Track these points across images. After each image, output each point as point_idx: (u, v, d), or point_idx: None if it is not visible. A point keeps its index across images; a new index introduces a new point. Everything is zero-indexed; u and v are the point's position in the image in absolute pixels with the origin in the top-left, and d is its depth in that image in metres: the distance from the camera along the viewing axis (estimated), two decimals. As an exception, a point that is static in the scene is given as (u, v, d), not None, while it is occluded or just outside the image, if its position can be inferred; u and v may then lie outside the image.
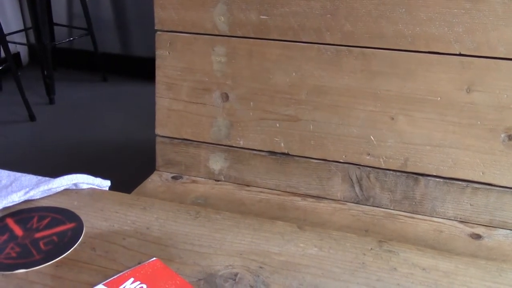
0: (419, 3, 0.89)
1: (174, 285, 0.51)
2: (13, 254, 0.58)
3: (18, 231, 0.62)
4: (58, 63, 3.05)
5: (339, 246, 0.57)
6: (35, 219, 0.63)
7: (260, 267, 0.54)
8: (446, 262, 0.55)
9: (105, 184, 0.73)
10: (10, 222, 0.63)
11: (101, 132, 2.33)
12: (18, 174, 0.72)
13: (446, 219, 0.96)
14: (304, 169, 1.03)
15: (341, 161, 1.01)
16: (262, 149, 1.05)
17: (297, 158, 1.03)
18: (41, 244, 0.59)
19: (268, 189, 1.07)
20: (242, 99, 1.04)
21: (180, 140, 1.11)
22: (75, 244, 0.59)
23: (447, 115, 0.92)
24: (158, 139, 1.13)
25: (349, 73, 0.96)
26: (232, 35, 1.02)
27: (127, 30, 2.98)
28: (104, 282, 0.52)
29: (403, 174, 0.97)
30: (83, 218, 0.63)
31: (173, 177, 1.12)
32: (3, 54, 2.45)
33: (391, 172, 0.98)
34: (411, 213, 0.98)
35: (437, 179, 0.96)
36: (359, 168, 1.00)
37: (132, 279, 0.51)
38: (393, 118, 0.95)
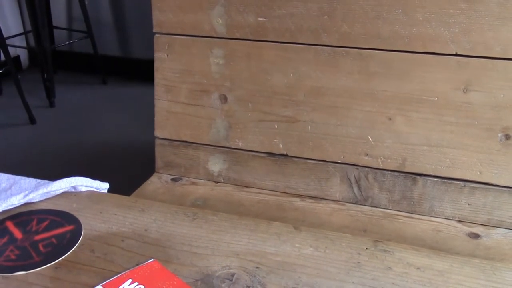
0: (415, 4, 0.90)
1: (172, 286, 0.52)
2: (13, 257, 0.58)
3: (17, 233, 0.62)
4: (58, 66, 3.05)
5: (334, 246, 0.57)
6: (34, 222, 0.64)
7: (257, 268, 0.55)
8: (441, 261, 0.55)
9: (104, 186, 0.74)
10: (9, 225, 0.64)
11: (101, 134, 2.33)
12: (18, 177, 0.73)
13: (445, 218, 0.97)
14: (303, 170, 1.04)
15: (340, 161, 1.01)
16: (261, 151, 1.06)
17: (295, 159, 1.04)
18: (40, 246, 0.59)
19: (267, 190, 1.07)
20: (240, 100, 1.04)
21: (179, 142, 1.11)
22: (74, 246, 0.59)
23: (444, 115, 0.93)
24: (157, 141, 1.13)
25: (346, 74, 0.97)
26: (230, 37, 1.02)
27: (127, 33, 2.98)
28: (103, 284, 0.53)
29: (401, 174, 0.98)
30: (82, 220, 0.64)
31: (172, 179, 1.12)
32: (3, 58, 2.45)
33: (389, 172, 0.98)
34: (409, 213, 0.99)
35: (435, 179, 0.96)
36: (357, 168, 1.00)
37: (130, 280, 0.52)
38: (390, 119, 0.96)
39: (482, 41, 0.88)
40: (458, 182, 0.94)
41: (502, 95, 0.89)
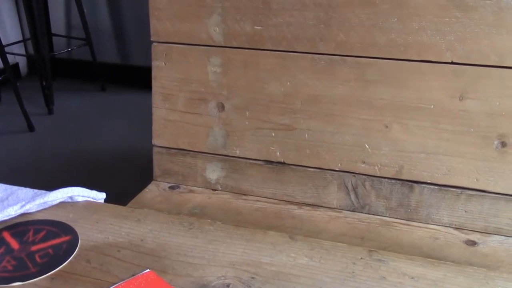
0: (411, 12, 0.90)
1: (168, 296, 0.52)
2: (9, 267, 0.58)
3: (14, 244, 0.62)
4: (57, 73, 3.06)
5: (329, 255, 0.57)
6: (31, 232, 0.64)
7: (252, 278, 0.55)
8: (435, 270, 0.55)
9: (100, 196, 0.74)
10: (6, 235, 0.64)
11: (100, 141, 2.33)
12: (15, 188, 0.73)
13: (442, 226, 0.97)
14: (300, 177, 1.04)
15: (337, 169, 1.01)
16: (258, 158, 1.06)
17: (293, 166, 1.04)
18: (36, 257, 0.60)
19: (265, 198, 1.07)
20: (237, 109, 1.05)
21: (177, 150, 1.11)
22: (70, 256, 0.59)
23: (440, 122, 0.93)
24: (155, 149, 1.13)
25: (343, 82, 0.97)
26: (227, 45, 1.03)
27: (125, 40, 2.99)
28: (99, 294, 0.53)
29: (398, 181, 0.98)
30: (78, 230, 0.64)
31: (170, 187, 1.12)
32: (1, 65, 2.46)
33: (386, 179, 0.99)
34: (406, 220, 0.99)
35: (432, 187, 0.96)
36: (354, 176, 1.01)
37: (125, 291, 0.52)
38: (387, 126, 0.96)
39: (477, 49, 0.88)
40: (454, 190, 0.95)
41: (497, 103, 0.89)
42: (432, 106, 0.93)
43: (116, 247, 0.61)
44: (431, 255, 0.85)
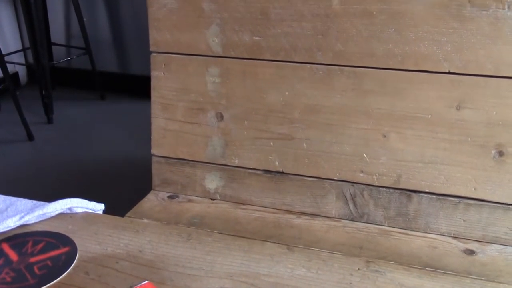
0: (408, 23, 0.91)
1: (166, 308, 0.52)
2: (8, 279, 0.58)
3: (13, 256, 0.63)
4: (56, 82, 3.06)
5: (327, 266, 0.57)
6: (30, 244, 0.64)
7: (250, 289, 0.55)
8: (432, 281, 0.56)
9: (99, 207, 0.74)
10: (5, 247, 0.64)
11: (99, 150, 2.34)
12: (14, 199, 0.73)
13: (440, 235, 0.97)
14: (299, 187, 1.04)
15: (335, 178, 1.02)
16: (257, 168, 1.06)
17: (291, 176, 1.04)
18: (35, 268, 0.60)
19: (264, 207, 1.08)
20: (236, 118, 1.05)
21: (176, 160, 1.12)
22: (68, 268, 0.60)
23: (438, 132, 0.93)
24: (154, 159, 1.14)
25: (341, 91, 0.98)
26: (225, 56, 1.04)
27: (125, 49, 3.00)
28: (97, 306, 0.53)
29: (396, 191, 0.98)
30: (77, 242, 0.64)
31: (169, 197, 1.13)
32: (1, 74, 2.46)
33: (385, 189, 0.99)
34: (405, 229, 0.99)
35: (430, 196, 0.96)
36: (353, 185, 1.01)
37: (124, 303, 0.52)
38: (385, 136, 0.97)
39: (474, 59, 0.89)
40: (452, 199, 0.95)
41: (494, 112, 0.90)
42: (430, 115, 0.93)
43: (115, 258, 0.61)
44: (430, 264, 0.85)
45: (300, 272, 0.58)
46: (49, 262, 0.61)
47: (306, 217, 1.03)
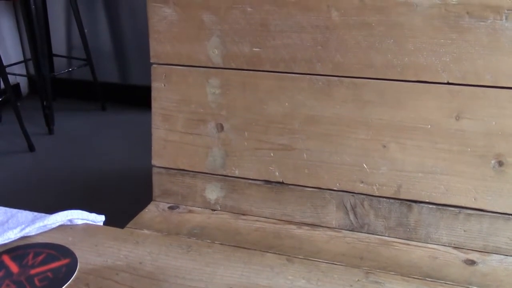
0: (407, 34, 0.92)
1: (166, 320, 0.52)
2: (9, 291, 0.59)
3: (13, 267, 0.63)
4: (58, 93, 3.08)
5: (326, 278, 0.58)
6: (30, 256, 0.64)
7: (250, 301, 0.55)
8: (432, 292, 0.56)
9: (99, 219, 0.74)
10: (6, 259, 0.64)
11: (100, 161, 2.34)
12: (15, 211, 0.74)
13: (441, 245, 0.97)
14: (299, 197, 1.05)
15: (335, 189, 1.02)
16: (257, 178, 1.07)
17: (291, 186, 1.05)
18: (36, 280, 0.60)
19: (264, 217, 1.08)
20: (236, 129, 1.06)
21: (176, 171, 1.12)
22: (69, 280, 0.60)
23: (437, 142, 0.94)
24: (154, 170, 1.14)
25: (340, 102, 0.98)
26: (226, 67, 1.04)
27: (125, 60, 3.01)
28: (98, 318, 0.53)
29: (397, 201, 0.98)
30: (77, 253, 0.64)
31: (169, 207, 1.13)
32: (2, 86, 2.47)
33: (385, 199, 0.99)
34: (405, 239, 0.99)
35: (430, 206, 0.97)
36: (353, 195, 1.01)
37: (124, 315, 0.52)
38: (385, 146, 0.97)
39: (473, 70, 0.90)
40: (453, 209, 0.95)
41: (493, 122, 0.90)
42: (429, 126, 0.94)
43: (115, 270, 0.61)
44: (430, 275, 0.85)
45: (300, 283, 0.58)
46: (49, 274, 0.61)
47: (307, 227, 1.03)
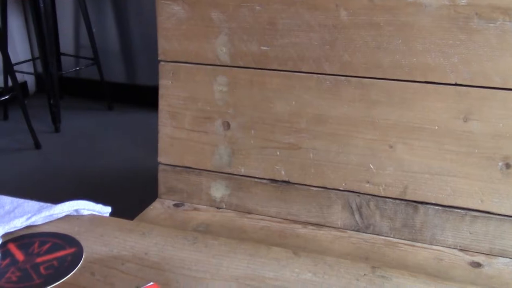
0: (415, 34, 0.91)
1: (171, 310, 0.52)
2: (14, 278, 0.59)
3: (19, 255, 0.63)
4: (65, 92, 3.09)
5: (333, 271, 0.57)
6: (36, 244, 0.64)
7: (256, 292, 0.55)
8: (438, 288, 0.55)
9: (106, 210, 0.74)
10: (11, 247, 0.64)
11: (106, 160, 2.34)
12: (21, 200, 0.74)
13: (446, 247, 0.97)
14: (305, 197, 1.04)
15: (341, 188, 1.01)
16: (263, 177, 1.06)
17: (297, 186, 1.04)
18: (41, 268, 0.60)
19: (269, 216, 1.07)
20: (243, 127, 1.06)
21: (182, 168, 1.12)
22: (74, 268, 0.60)
23: (444, 143, 0.93)
24: (160, 167, 1.14)
25: (348, 102, 0.98)
26: (233, 65, 1.04)
27: (133, 60, 3.02)
28: (102, 307, 0.53)
29: (403, 202, 0.98)
30: (83, 243, 0.65)
31: (175, 205, 1.13)
32: (10, 83, 2.49)
33: (391, 200, 0.99)
34: (411, 241, 0.99)
35: (436, 207, 0.96)
36: (359, 196, 1.01)
37: (129, 303, 0.52)
38: (391, 147, 0.97)
39: (481, 71, 0.89)
40: (459, 211, 0.95)
41: (501, 124, 0.89)
42: (436, 127, 0.93)
43: (121, 260, 0.61)
44: (436, 277, 0.85)
45: (306, 277, 0.57)
46: (55, 263, 0.61)
47: (312, 227, 1.03)
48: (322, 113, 1.00)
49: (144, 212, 1.10)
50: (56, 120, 2.65)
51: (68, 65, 3.11)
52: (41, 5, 2.54)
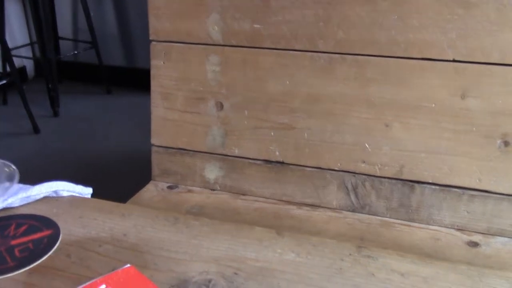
0: (411, 9, 0.89)
1: (147, 292, 0.50)
2: (-12, 262, 0.57)
3: (-6, 238, 0.61)
4: (63, 76, 3.08)
5: (317, 251, 0.55)
6: (12, 227, 0.63)
7: (235, 273, 0.53)
8: (426, 267, 0.53)
9: (87, 191, 0.72)
10: (-13, 230, 0.63)
11: (105, 143, 2.34)
12: None
13: (443, 227, 0.95)
14: (299, 177, 1.02)
15: (336, 169, 0.99)
16: (257, 158, 1.04)
17: (292, 166, 1.02)
18: (16, 251, 0.58)
19: (264, 197, 1.06)
20: (236, 108, 1.03)
21: (175, 150, 1.10)
22: (50, 251, 0.58)
23: (442, 121, 0.91)
24: (153, 149, 1.12)
25: (343, 80, 0.95)
26: (225, 44, 1.02)
27: (131, 43, 3.00)
28: (75, 289, 0.51)
29: (399, 181, 0.96)
30: (61, 225, 0.63)
31: (168, 187, 1.11)
32: (8, 68, 2.47)
33: (387, 179, 0.97)
34: (407, 221, 0.97)
35: (433, 187, 0.94)
36: (354, 176, 0.99)
37: (103, 286, 0.50)
38: (387, 125, 0.94)
39: (479, 46, 0.86)
40: (456, 190, 0.92)
41: (500, 101, 0.87)
42: (434, 104, 0.91)
43: (98, 242, 0.59)
44: (432, 257, 0.83)
45: (289, 257, 0.55)
46: (30, 245, 0.59)
47: (307, 208, 1.01)
48: (317, 92, 0.97)
49: (137, 194, 1.08)
50: (54, 104, 2.64)
51: (66, 49, 3.09)
52: (38, -12, 2.52)
